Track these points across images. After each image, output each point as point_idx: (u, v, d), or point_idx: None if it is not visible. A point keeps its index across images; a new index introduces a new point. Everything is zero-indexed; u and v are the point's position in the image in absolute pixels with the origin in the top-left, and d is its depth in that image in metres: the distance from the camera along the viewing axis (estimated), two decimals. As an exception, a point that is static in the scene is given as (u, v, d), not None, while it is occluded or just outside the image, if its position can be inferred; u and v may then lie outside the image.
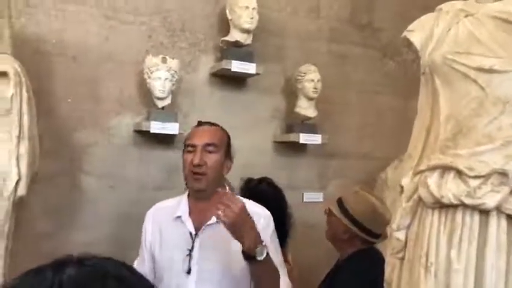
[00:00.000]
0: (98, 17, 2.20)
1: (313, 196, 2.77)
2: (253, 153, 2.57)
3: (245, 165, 2.50)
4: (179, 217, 1.49)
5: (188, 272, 1.41)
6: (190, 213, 1.49)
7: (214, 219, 1.43)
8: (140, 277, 0.51)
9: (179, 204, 1.52)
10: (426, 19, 1.18)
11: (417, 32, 1.16)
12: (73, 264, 0.50)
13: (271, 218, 1.52)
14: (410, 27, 1.19)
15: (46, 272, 0.49)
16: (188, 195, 1.54)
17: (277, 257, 1.46)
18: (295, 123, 2.59)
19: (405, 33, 1.19)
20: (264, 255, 1.28)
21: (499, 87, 0.99)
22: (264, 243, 1.30)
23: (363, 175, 2.80)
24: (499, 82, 0.99)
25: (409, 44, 1.18)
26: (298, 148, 2.67)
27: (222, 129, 1.57)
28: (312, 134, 2.55)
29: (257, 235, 1.30)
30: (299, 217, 2.66)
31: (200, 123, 1.58)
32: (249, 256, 1.29)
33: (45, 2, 2.11)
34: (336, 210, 1.83)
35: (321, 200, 2.78)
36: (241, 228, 1.28)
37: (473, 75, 1.02)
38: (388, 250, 1.20)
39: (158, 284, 1.47)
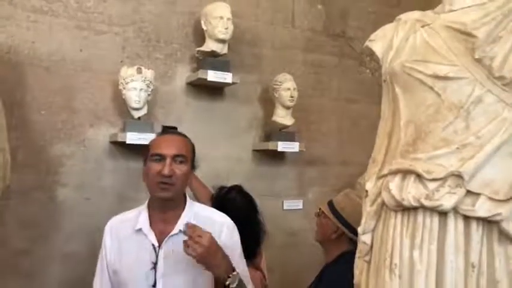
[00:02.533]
0: (71, 28, 2.20)
1: (293, 204, 2.80)
2: (232, 162, 2.59)
3: (224, 174, 2.51)
4: (140, 230, 1.46)
5: (154, 285, 1.40)
6: (151, 225, 1.47)
7: (177, 229, 1.44)
8: None
9: (139, 216, 1.50)
10: (386, 29, 1.22)
11: (378, 42, 1.20)
12: None
13: (235, 227, 1.53)
14: (372, 36, 1.24)
15: None
16: (148, 206, 1.52)
17: (241, 266, 1.48)
18: (273, 131, 2.62)
19: (367, 43, 1.24)
20: (236, 282, 1.31)
21: (454, 93, 1.03)
22: (236, 272, 1.32)
23: (342, 181, 2.84)
24: (453, 89, 1.04)
25: (372, 53, 1.22)
26: (276, 156, 2.70)
27: (189, 140, 1.56)
28: (290, 142, 2.59)
29: (229, 264, 1.33)
30: (280, 225, 2.70)
31: (165, 130, 1.57)
32: (222, 285, 1.31)
33: (18, 14, 2.09)
34: (326, 211, 1.93)
35: (301, 207, 2.81)
36: (211, 260, 1.30)
37: (430, 83, 1.06)
38: (356, 253, 1.23)
39: None
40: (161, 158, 1.44)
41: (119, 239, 1.50)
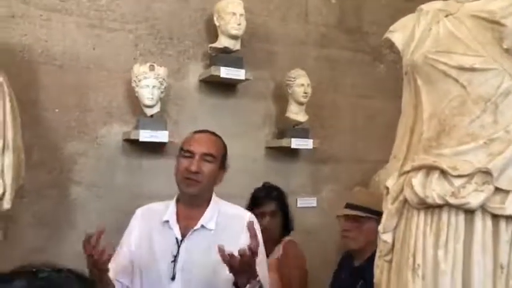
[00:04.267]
0: (84, 26, 2.19)
1: (307, 201, 2.76)
2: (246, 159, 2.56)
3: (237, 171, 2.48)
4: (167, 221, 1.50)
5: (173, 278, 1.41)
6: (177, 219, 1.50)
7: (199, 224, 1.47)
8: None
9: (167, 208, 1.53)
10: (407, 19, 1.18)
11: (398, 33, 1.16)
12: (23, 277, 0.48)
13: (258, 224, 1.51)
14: (392, 28, 1.19)
15: None
16: (177, 200, 1.55)
17: (262, 268, 1.46)
18: (286, 128, 2.58)
19: (387, 34, 1.20)
20: None
21: (480, 85, 0.99)
22: (257, 279, 1.31)
23: (356, 179, 2.79)
24: (480, 81, 0.99)
25: (391, 44, 1.18)
26: (290, 153, 2.66)
27: (221, 140, 1.59)
28: (304, 139, 2.54)
29: (254, 271, 1.31)
30: (294, 222, 2.66)
31: (199, 131, 1.60)
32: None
33: (31, 12, 2.09)
34: (362, 214, 1.85)
35: (315, 205, 2.76)
36: (248, 266, 1.28)
37: (455, 74, 1.02)
38: (377, 252, 1.19)
39: None
40: (191, 154, 1.48)
41: (149, 228, 1.52)
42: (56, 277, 0.49)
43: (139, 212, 1.59)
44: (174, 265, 1.42)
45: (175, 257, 1.42)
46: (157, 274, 1.44)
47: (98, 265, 1.29)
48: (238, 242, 1.43)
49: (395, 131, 1.26)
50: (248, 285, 1.29)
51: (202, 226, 1.47)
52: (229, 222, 1.50)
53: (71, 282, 0.49)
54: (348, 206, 1.89)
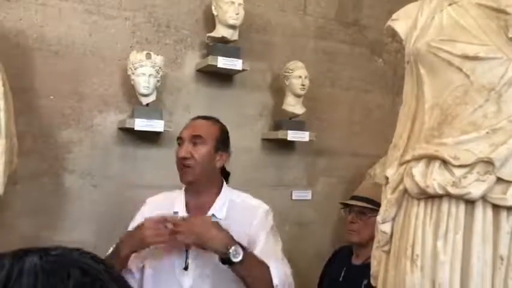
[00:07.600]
0: (80, 12, 2.16)
1: (302, 194, 2.76)
2: (241, 151, 2.53)
3: (232, 163, 2.47)
4: (176, 213, 1.46)
5: (186, 268, 1.39)
6: (187, 209, 1.47)
7: (210, 213, 1.44)
8: (107, 268, 0.49)
9: (176, 199, 1.51)
10: (410, 8, 1.16)
11: (401, 21, 1.14)
12: (35, 253, 0.47)
13: (270, 212, 1.51)
14: (394, 16, 1.17)
15: (3, 260, 0.46)
16: (186, 191, 1.53)
17: (276, 250, 1.46)
18: (283, 120, 2.57)
19: (389, 23, 1.18)
20: (240, 256, 1.25)
21: (484, 74, 0.97)
22: (237, 244, 1.27)
23: (352, 172, 2.79)
24: (484, 70, 0.98)
25: (393, 33, 1.17)
26: (286, 145, 2.65)
27: (216, 121, 1.54)
28: (300, 131, 2.53)
29: (225, 237, 1.28)
30: (289, 215, 2.66)
31: (195, 118, 1.56)
32: (225, 260, 1.27)
33: (26, -4, 2.06)
34: (369, 206, 1.85)
35: (310, 197, 2.76)
36: (204, 238, 1.28)
37: (458, 63, 1.00)
38: (374, 243, 1.18)
39: (156, 279, 1.45)
40: (181, 141, 1.46)
41: None
42: (69, 254, 0.48)
43: (149, 200, 1.57)
44: (187, 255, 1.39)
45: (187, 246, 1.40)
46: (170, 264, 1.41)
47: (144, 244, 1.30)
48: (248, 233, 1.42)
49: (392, 126, 1.26)
50: (230, 251, 1.24)
51: (213, 215, 1.43)
52: (241, 212, 1.46)
53: (85, 258, 0.48)
54: (354, 197, 1.87)
